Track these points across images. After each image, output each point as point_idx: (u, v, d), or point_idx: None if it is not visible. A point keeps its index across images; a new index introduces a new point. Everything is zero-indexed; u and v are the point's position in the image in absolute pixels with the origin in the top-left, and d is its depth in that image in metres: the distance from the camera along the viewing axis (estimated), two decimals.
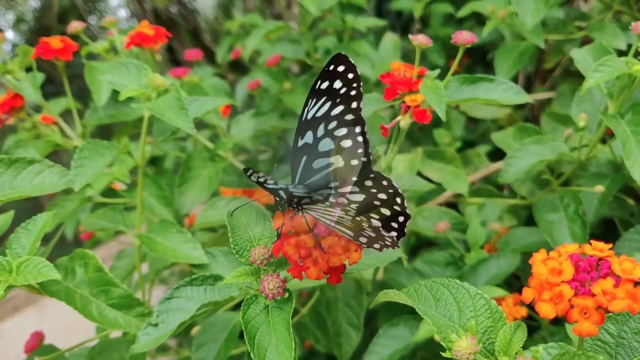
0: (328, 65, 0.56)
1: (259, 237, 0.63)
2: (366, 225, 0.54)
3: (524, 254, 0.96)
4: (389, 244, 0.54)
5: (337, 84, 0.56)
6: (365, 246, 0.56)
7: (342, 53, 0.56)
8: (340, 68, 0.56)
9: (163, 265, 0.93)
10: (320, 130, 0.57)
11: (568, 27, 1.31)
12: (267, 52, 1.50)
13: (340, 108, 0.56)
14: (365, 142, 0.56)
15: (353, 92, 0.56)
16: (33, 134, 1.09)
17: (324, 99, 0.57)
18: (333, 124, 0.57)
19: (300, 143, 0.58)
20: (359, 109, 0.56)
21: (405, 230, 0.57)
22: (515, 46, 1.25)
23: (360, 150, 0.56)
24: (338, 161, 0.57)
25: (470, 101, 0.81)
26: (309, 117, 0.57)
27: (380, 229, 0.55)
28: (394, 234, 0.56)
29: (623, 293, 0.43)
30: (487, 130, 1.55)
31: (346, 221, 0.55)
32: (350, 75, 0.56)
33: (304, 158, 0.58)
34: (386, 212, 0.57)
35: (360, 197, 0.56)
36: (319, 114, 0.57)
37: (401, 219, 0.57)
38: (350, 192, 0.57)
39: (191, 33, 3.00)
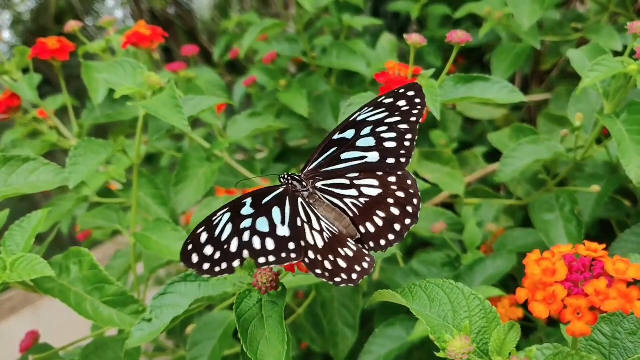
0: (400, 88, 0.61)
1: None
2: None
3: (520, 255, 0.96)
4: (355, 278, 0.55)
5: (402, 103, 0.61)
6: (320, 277, 0.55)
7: (419, 84, 0.61)
8: (410, 93, 0.61)
9: (158, 263, 0.93)
10: (366, 130, 0.61)
11: (565, 29, 1.32)
12: (264, 51, 1.50)
13: (397, 118, 0.61)
14: (412, 147, 0.60)
15: (415, 111, 0.60)
16: (30, 129, 1.09)
17: (382, 109, 0.61)
18: (383, 128, 0.61)
19: (337, 137, 0.62)
20: (416, 122, 0.60)
21: (405, 235, 0.58)
22: (512, 48, 1.26)
23: (403, 152, 0.60)
24: (373, 156, 0.61)
25: (465, 100, 0.81)
26: (358, 119, 0.62)
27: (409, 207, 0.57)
28: (389, 240, 0.58)
29: (616, 293, 0.43)
30: (484, 131, 1.55)
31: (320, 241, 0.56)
32: (417, 100, 0.61)
33: (334, 149, 0.62)
34: (396, 211, 0.58)
35: (375, 192, 0.59)
36: (371, 119, 0.61)
37: (407, 221, 0.58)
38: (365, 186, 0.60)
39: (188, 34, 3.00)
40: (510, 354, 0.49)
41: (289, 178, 0.61)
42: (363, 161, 0.61)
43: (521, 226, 1.15)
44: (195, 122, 0.99)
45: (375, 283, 1.05)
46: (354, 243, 0.57)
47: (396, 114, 0.61)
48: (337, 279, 0.54)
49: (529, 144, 0.94)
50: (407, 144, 0.60)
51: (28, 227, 0.71)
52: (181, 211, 1.02)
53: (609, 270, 0.44)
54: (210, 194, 1.11)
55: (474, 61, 1.73)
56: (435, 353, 0.49)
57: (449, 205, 1.25)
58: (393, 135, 0.61)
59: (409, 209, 0.58)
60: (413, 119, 0.60)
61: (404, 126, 0.60)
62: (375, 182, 0.60)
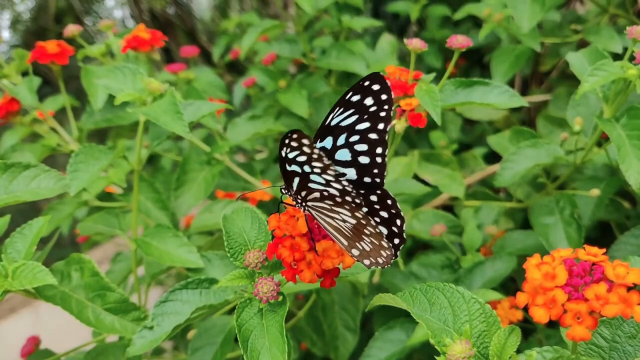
0: (364, 80, 0.55)
1: (254, 241, 0.64)
2: (368, 233, 0.54)
3: (520, 257, 0.96)
4: (381, 262, 0.55)
5: (369, 101, 0.55)
6: (355, 259, 0.56)
7: (380, 73, 0.55)
8: (375, 87, 0.55)
9: (159, 269, 0.93)
10: (341, 140, 0.57)
11: (564, 31, 1.32)
12: (263, 52, 1.50)
13: (366, 125, 0.56)
14: (383, 164, 0.57)
15: (382, 114, 0.55)
16: (30, 130, 1.09)
17: (351, 111, 0.56)
18: (355, 138, 0.56)
19: (318, 145, 0.58)
20: (384, 131, 0.55)
21: (398, 253, 0.57)
22: (511, 49, 1.26)
23: (376, 171, 0.57)
24: (351, 173, 0.57)
25: (465, 105, 0.81)
26: (332, 123, 0.57)
27: (382, 242, 0.55)
28: (388, 252, 0.56)
29: (616, 298, 0.43)
30: (483, 132, 1.55)
31: (344, 229, 0.55)
32: (384, 97, 0.55)
33: None
34: (384, 230, 0.57)
35: (353, 221, 0.55)
36: (343, 124, 0.56)
37: (396, 241, 0.57)
38: (344, 214, 0.56)
39: (187, 34, 3.00)
40: (510, 357, 0.49)
41: None
42: (345, 178, 0.58)
43: (521, 228, 1.15)
44: (195, 124, 0.99)
45: (375, 286, 1.05)
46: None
47: (365, 117, 0.55)
48: (366, 262, 0.55)
49: (528, 148, 0.94)
50: (378, 160, 0.56)
51: (29, 234, 0.71)
52: (181, 215, 1.02)
53: (609, 274, 0.44)
54: (211, 197, 1.11)
55: (474, 62, 1.73)
56: (436, 357, 0.50)
57: (449, 207, 1.25)
58: (365, 147, 0.56)
59: (394, 229, 0.57)
60: (381, 125, 0.55)
61: (373, 136, 0.56)
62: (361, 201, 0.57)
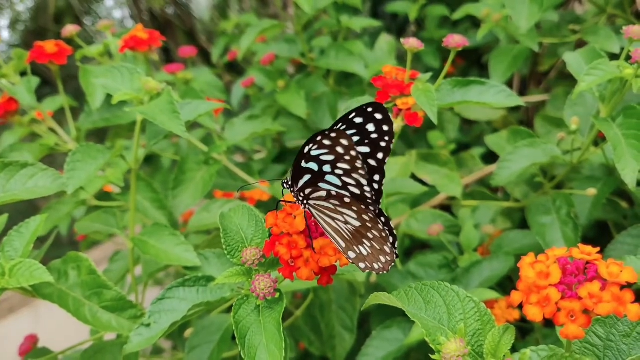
0: (367, 106, 0.55)
1: (251, 238, 0.64)
2: (371, 237, 0.55)
3: (518, 257, 0.95)
4: (376, 267, 0.56)
5: (371, 127, 0.55)
6: (351, 261, 0.57)
7: (383, 105, 0.55)
8: (378, 116, 0.55)
9: (157, 267, 0.93)
10: None
11: (562, 31, 1.32)
12: (262, 52, 1.50)
13: (366, 149, 0.56)
14: (380, 191, 0.57)
15: (383, 144, 0.55)
16: (28, 130, 1.09)
17: (353, 131, 0.56)
18: None
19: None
20: (383, 161, 0.56)
21: (389, 268, 0.57)
22: (510, 49, 1.26)
23: (371, 196, 0.57)
24: (354, 189, 0.57)
25: (462, 104, 0.81)
26: None
27: (385, 246, 0.56)
28: (388, 258, 0.57)
29: (609, 296, 0.43)
30: (481, 132, 1.56)
31: (344, 231, 0.55)
32: (385, 128, 0.55)
33: None
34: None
35: (357, 223, 0.56)
36: None
37: (389, 257, 0.57)
38: (349, 215, 0.57)
39: (187, 34, 3.00)
40: (504, 356, 0.49)
41: None
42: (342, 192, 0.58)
43: (519, 227, 1.15)
44: (193, 124, 0.99)
45: (373, 285, 1.05)
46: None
47: (366, 142, 0.56)
48: (361, 265, 0.57)
49: (525, 147, 0.94)
50: (375, 186, 0.57)
51: (27, 232, 0.72)
52: (179, 215, 1.02)
53: (603, 273, 0.44)
54: (209, 197, 1.11)
55: (472, 62, 1.73)
56: (431, 355, 0.50)
57: (447, 207, 1.25)
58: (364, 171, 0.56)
59: (389, 243, 0.57)
60: (380, 155, 0.56)
61: (372, 162, 0.56)
62: (354, 215, 0.57)
